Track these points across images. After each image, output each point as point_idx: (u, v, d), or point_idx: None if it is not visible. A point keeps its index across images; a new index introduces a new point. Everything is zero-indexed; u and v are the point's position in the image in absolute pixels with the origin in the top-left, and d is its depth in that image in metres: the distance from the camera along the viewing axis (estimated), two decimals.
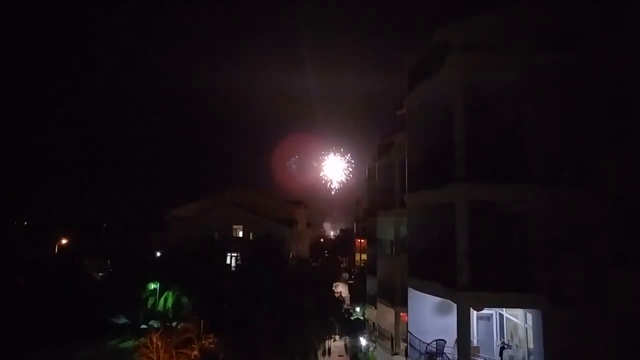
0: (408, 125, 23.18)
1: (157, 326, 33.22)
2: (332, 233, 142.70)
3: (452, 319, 17.44)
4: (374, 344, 37.35)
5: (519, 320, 18.50)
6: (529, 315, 17.14)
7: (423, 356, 18.89)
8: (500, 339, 19.48)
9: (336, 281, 64.51)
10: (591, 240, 15.37)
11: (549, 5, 17.04)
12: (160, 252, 52.42)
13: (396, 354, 30.06)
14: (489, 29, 17.72)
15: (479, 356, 17.46)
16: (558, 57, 16.23)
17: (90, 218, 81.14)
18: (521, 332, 18.37)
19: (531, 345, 17.11)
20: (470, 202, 16.95)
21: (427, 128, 20.91)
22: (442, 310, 19.70)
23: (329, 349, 42.28)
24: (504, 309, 19.33)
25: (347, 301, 59.37)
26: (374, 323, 38.90)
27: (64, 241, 67.11)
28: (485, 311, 19.01)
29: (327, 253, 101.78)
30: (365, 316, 46.60)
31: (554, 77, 16.27)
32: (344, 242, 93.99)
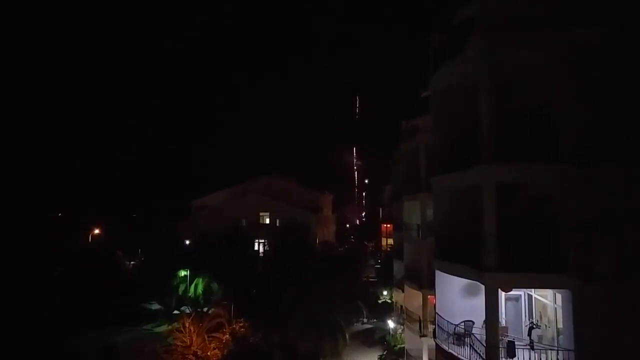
0: (433, 107, 22.99)
1: (188, 311, 34.11)
2: (358, 218, 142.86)
3: (480, 301, 17.44)
4: (402, 327, 37.56)
5: (548, 301, 18.42)
6: (559, 296, 17.07)
7: (451, 337, 19.00)
8: (529, 319, 19.43)
9: (363, 265, 64.73)
10: (623, 219, 15.18)
11: None
12: (190, 240, 53.39)
13: (424, 335, 30.19)
14: (517, 4, 17.23)
15: (507, 336, 17.44)
16: (590, 34, 15.70)
17: (119, 208, 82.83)
18: (550, 312, 18.30)
19: (560, 325, 17.08)
20: (497, 183, 16.81)
21: (453, 110, 20.65)
22: (470, 292, 19.72)
23: None
24: (533, 290, 19.25)
25: (374, 285, 59.61)
26: (401, 306, 39.09)
27: (96, 231, 68.85)
28: (514, 292, 18.91)
29: (353, 238, 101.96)
30: (393, 299, 46.79)
31: (586, 54, 15.77)
32: (370, 227, 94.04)
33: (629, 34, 15.53)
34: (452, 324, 19.04)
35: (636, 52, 15.50)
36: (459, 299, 20.27)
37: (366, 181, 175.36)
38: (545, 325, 18.54)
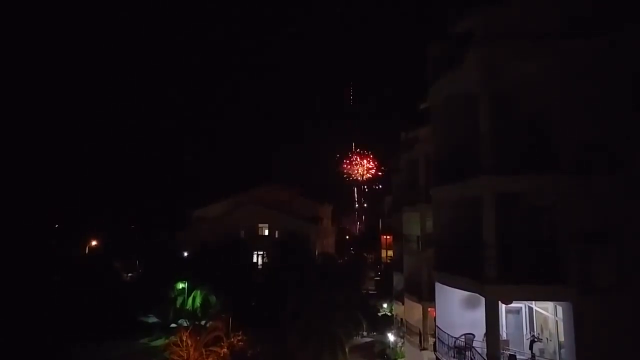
0: (432, 118, 22.96)
1: (186, 325, 33.75)
2: (357, 230, 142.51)
3: (480, 313, 17.24)
4: (402, 340, 37.20)
5: (549, 313, 18.17)
6: (559, 308, 16.83)
7: (452, 351, 18.73)
8: (530, 333, 19.17)
9: (362, 277, 64.35)
10: (623, 230, 15.02)
11: None
12: (188, 252, 53.09)
13: (424, 349, 29.84)
14: (515, 15, 17.23)
15: (508, 350, 17.19)
16: (588, 44, 15.71)
17: (117, 219, 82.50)
18: (551, 325, 18.04)
19: (562, 339, 16.80)
20: (497, 194, 16.72)
21: (452, 121, 20.63)
22: (471, 305, 19.48)
23: None
24: (534, 302, 19.01)
25: (374, 297, 59.19)
26: (401, 319, 38.75)
27: (93, 242, 68.53)
28: (515, 304, 18.70)
29: (352, 250, 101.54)
30: (393, 312, 46.41)
31: (584, 64, 15.78)
32: (370, 238, 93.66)
33: (626, 43, 15.50)
34: (452, 337, 18.78)
35: (634, 60, 15.43)
36: (459, 311, 20.03)
37: (366, 192, 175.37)
38: (547, 339, 18.26)
